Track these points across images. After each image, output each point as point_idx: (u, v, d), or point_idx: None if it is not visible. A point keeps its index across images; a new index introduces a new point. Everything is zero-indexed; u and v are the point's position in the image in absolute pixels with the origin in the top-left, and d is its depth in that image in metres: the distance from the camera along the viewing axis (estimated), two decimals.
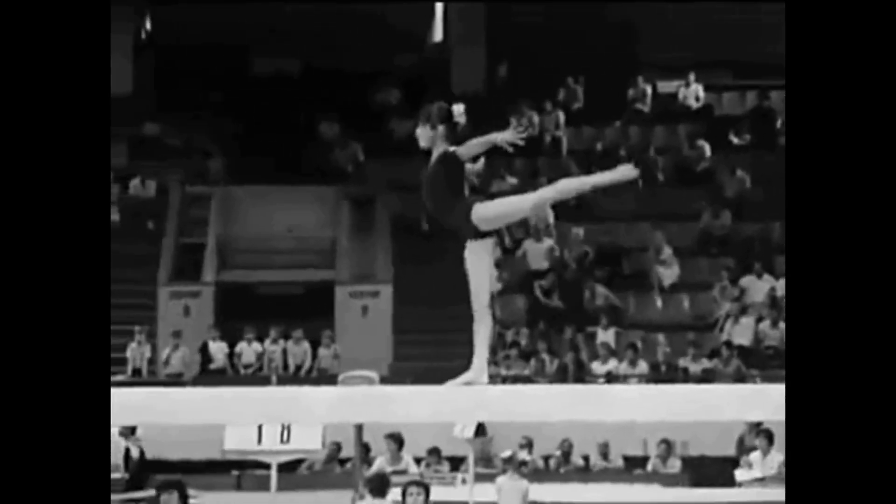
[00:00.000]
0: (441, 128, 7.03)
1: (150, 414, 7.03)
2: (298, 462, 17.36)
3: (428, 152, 7.09)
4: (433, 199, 6.97)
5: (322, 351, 21.24)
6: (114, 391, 6.29)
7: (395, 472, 14.83)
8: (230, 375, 20.83)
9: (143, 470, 17.17)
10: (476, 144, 7.08)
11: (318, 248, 23.66)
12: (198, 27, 27.29)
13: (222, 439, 13.98)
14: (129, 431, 17.27)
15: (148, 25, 28.13)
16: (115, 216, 23.49)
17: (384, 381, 17.02)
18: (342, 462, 17.62)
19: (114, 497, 13.07)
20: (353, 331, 21.80)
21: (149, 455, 18.31)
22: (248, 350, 21.37)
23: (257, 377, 20.59)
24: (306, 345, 21.39)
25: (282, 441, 12.98)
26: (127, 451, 17.25)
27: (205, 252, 23.16)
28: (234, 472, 17.43)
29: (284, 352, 21.41)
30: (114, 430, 16.98)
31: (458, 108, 7.07)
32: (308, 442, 13.42)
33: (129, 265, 22.94)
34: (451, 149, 6.98)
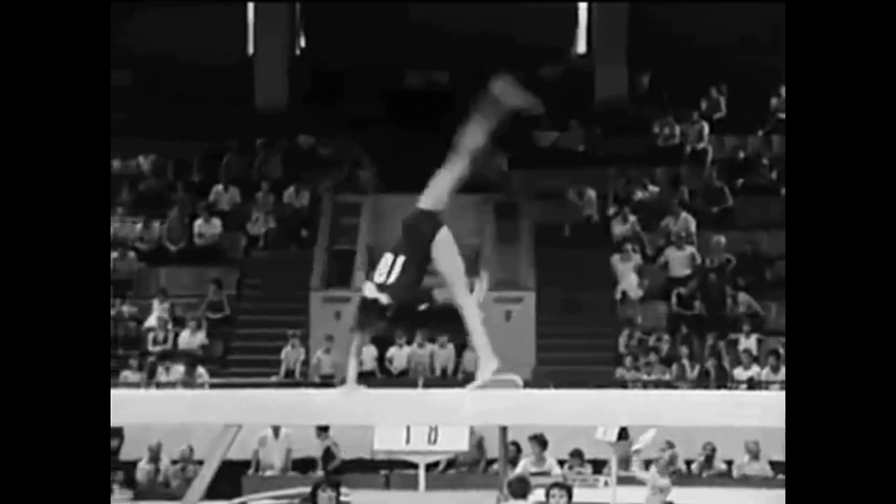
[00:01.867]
0: None
1: (302, 414, 7.11)
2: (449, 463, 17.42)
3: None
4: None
5: (467, 355, 21.28)
6: (268, 392, 6.37)
7: (539, 474, 14.81)
8: (379, 378, 20.98)
9: (336, 467, 17.48)
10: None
11: (463, 255, 23.67)
12: (351, 41, 27.57)
13: (372, 440, 14.08)
14: (322, 430, 17.64)
15: (303, 42, 28.50)
16: (270, 224, 23.83)
17: (528, 384, 16.94)
18: (488, 463, 17.64)
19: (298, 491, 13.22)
20: (497, 336, 21.58)
21: (299, 454, 18.59)
22: (396, 354, 21.51)
23: (405, 380, 20.69)
24: (451, 349, 21.46)
25: (429, 442, 13.04)
26: (328, 449, 17.60)
27: (355, 259, 23.35)
28: (383, 472, 17.55)
29: (431, 355, 21.51)
30: (309, 430, 17.39)
31: None
32: (455, 443, 13.46)
33: (283, 271, 23.26)
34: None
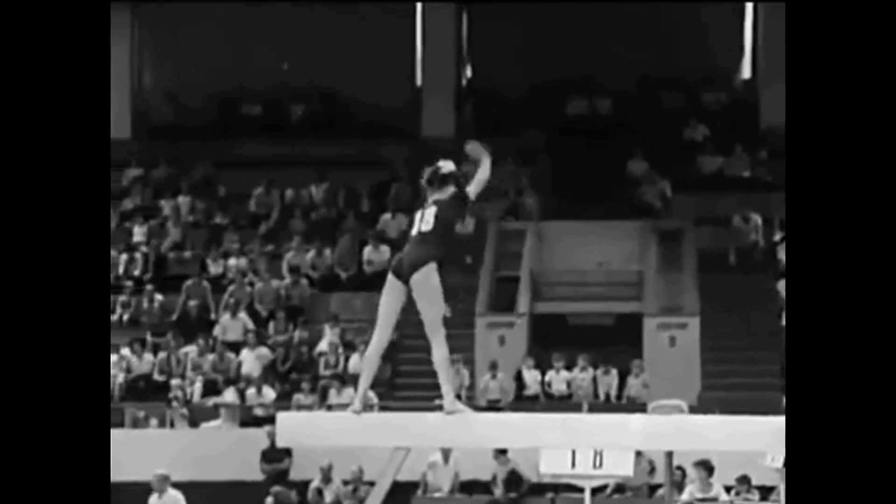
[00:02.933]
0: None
1: (468, 437, 7.12)
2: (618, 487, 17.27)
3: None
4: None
5: (631, 380, 21.12)
6: (431, 416, 6.37)
7: (705, 500, 14.59)
8: (543, 402, 20.92)
9: (520, 488, 17.59)
10: (477, 184, 7.74)
11: (626, 280, 23.55)
12: (515, 71, 27.66)
13: (537, 462, 14.04)
14: (501, 453, 17.80)
15: (469, 72, 28.69)
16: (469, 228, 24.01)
17: (693, 410, 16.79)
18: (654, 488, 17.46)
19: None
20: (662, 361, 21.58)
21: (466, 476, 18.64)
22: (559, 378, 21.43)
23: (569, 404, 20.60)
24: (615, 373, 21.31)
25: (595, 466, 12.94)
26: (512, 472, 17.73)
27: (519, 284, 23.35)
28: (549, 495, 17.48)
29: (594, 380, 21.38)
30: (477, 454, 17.60)
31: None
32: (620, 467, 13.34)
33: (449, 296, 23.35)
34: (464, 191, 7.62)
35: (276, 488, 17.24)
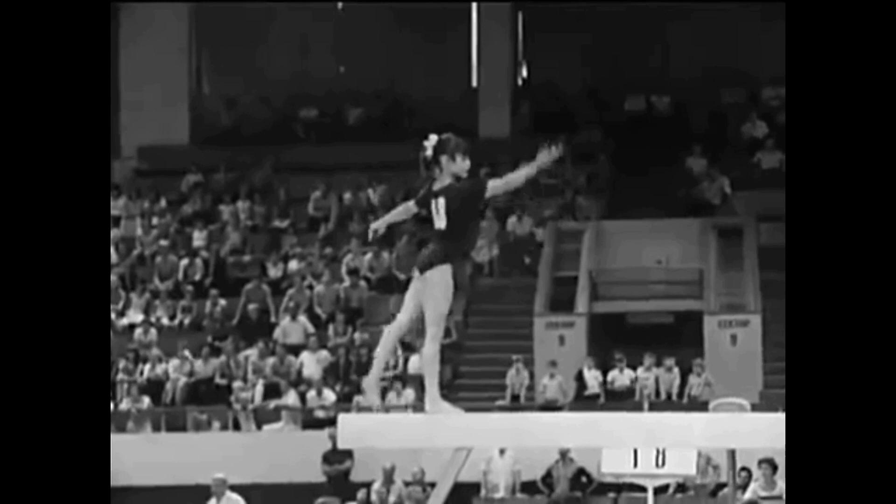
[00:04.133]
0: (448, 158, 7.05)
1: (529, 437, 7.10)
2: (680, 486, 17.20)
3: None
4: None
5: (692, 378, 21.01)
6: (493, 416, 6.36)
7: (769, 498, 14.49)
8: (604, 402, 20.86)
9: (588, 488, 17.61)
10: (503, 184, 7.15)
11: (686, 279, 23.44)
12: (571, 70, 27.61)
13: (599, 462, 14.00)
14: (566, 452, 17.84)
15: (525, 72, 28.65)
16: (495, 251, 23.96)
17: (755, 408, 16.67)
18: (718, 487, 17.36)
19: None
20: (723, 359, 21.46)
21: (528, 476, 18.63)
22: (620, 377, 21.36)
23: (630, 403, 20.53)
24: (677, 372, 21.21)
25: (657, 465, 12.87)
26: (581, 470, 17.77)
27: (577, 284, 23.30)
28: (611, 495, 17.43)
29: (656, 379, 21.30)
30: (537, 454, 17.64)
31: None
32: (683, 466, 13.27)
33: (508, 297, 23.36)
34: (484, 183, 7.10)
35: (321, 500, 17.19)
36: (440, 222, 7.02)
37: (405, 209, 7.39)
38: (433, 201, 7.05)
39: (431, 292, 6.94)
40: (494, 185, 7.12)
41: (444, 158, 7.10)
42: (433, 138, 7.14)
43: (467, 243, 7.12)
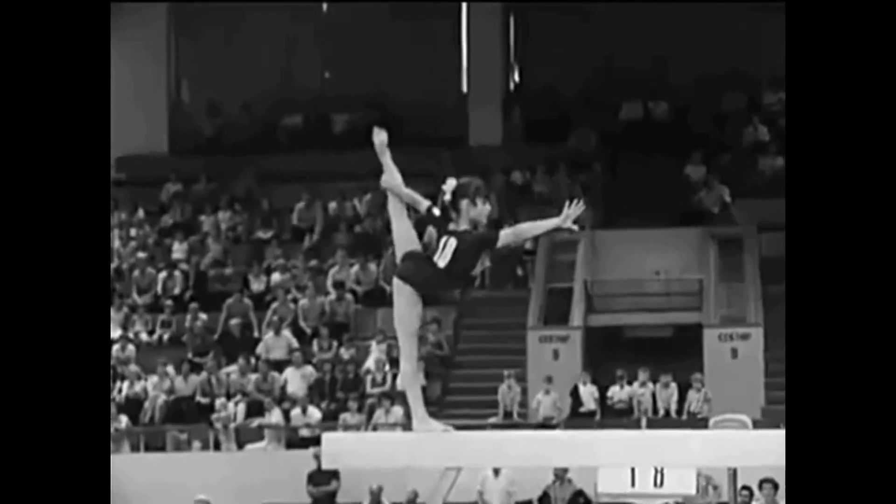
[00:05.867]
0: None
1: (522, 456, 7.09)
2: None
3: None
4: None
5: (692, 394, 21.00)
6: (484, 434, 6.37)
7: None
8: (600, 419, 20.84)
9: None
10: (515, 235, 7.22)
11: (685, 290, 23.45)
12: (564, 75, 27.62)
13: (595, 481, 13.98)
14: (563, 472, 17.86)
15: (517, 77, 28.66)
16: (486, 263, 23.95)
17: (757, 424, 16.65)
18: None
19: None
20: (723, 374, 21.46)
21: (521, 496, 18.60)
22: (617, 393, 21.34)
23: (627, 420, 20.52)
24: (675, 387, 21.20)
25: (655, 485, 12.86)
26: (579, 492, 17.79)
27: (572, 296, 23.29)
28: None
29: (653, 395, 21.29)
30: (530, 473, 17.62)
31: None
32: (682, 486, 13.25)
33: (499, 310, 23.34)
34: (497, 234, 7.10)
35: None
36: (442, 261, 7.00)
37: (423, 202, 7.30)
38: (444, 237, 7.05)
39: (396, 309, 6.97)
40: (506, 235, 7.13)
41: (464, 203, 7.11)
42: (451, 182, 7.12)
43: (456, 284, 7.21)
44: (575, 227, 7.18)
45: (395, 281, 7.00)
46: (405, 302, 6.93)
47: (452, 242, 7.03)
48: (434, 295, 6.97)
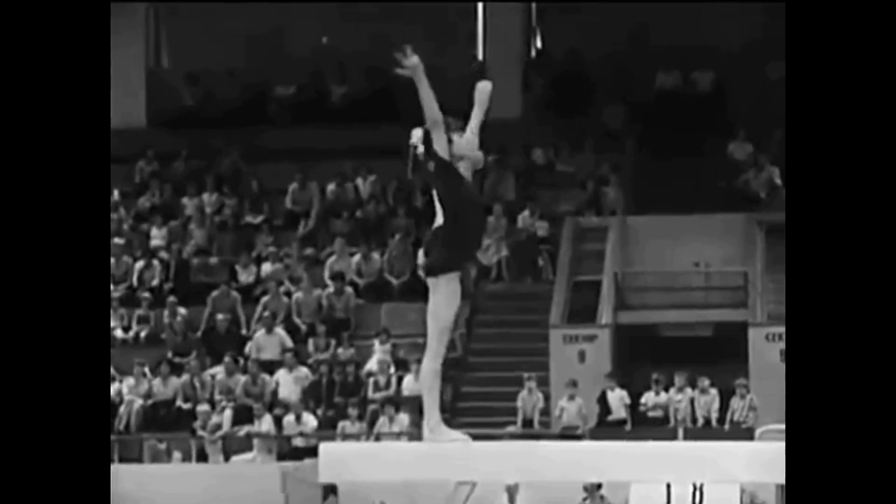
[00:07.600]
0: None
1: (544, 470, 7.11)
2: None
3: None
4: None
5: (735, 401, 21.03)
6: (501, 444, 6.40)
7: None
8: (631, 428, 20.89)
9: None
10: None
11: (728, 284, 23.48)
12: (592, 42, 27.59)
13: (626, 499, 14.04)
14: (595, 488, 17.90)
15: (538, 44, 28.65)
16: (503, 252, 23.98)
17: None
18: None
19: None
20: (771, 379, 21.45)
21: None
22: (651, 400, 21.38)
23: (662, 430, 20.56)
24: (715, 393, 21.23)
25: (694, 502, 12.92)
26: None
27: (600, 291, 23.33)
28: None
29: (692, 401, 21.32)
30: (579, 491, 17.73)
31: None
32: (724, 502, 13.32)
33: (519, 306, 23.38)
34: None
35: None
36: (437, 220, 7.26)
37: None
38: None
39: (433, 303, 7.04)
40: (459, 143, 7.59)
41: (455, 137, 7.91)
42: (416, 132, 7.53)
43: (462, 238, 7.27)
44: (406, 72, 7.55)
45: (429, 281, 7.15)
46: (444, 300, 7.07)
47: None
48: (478, 239, 7.32)
